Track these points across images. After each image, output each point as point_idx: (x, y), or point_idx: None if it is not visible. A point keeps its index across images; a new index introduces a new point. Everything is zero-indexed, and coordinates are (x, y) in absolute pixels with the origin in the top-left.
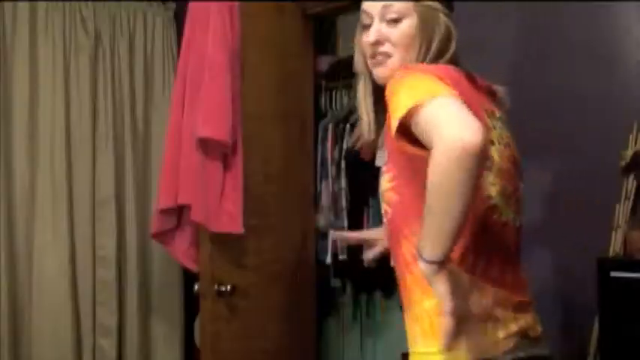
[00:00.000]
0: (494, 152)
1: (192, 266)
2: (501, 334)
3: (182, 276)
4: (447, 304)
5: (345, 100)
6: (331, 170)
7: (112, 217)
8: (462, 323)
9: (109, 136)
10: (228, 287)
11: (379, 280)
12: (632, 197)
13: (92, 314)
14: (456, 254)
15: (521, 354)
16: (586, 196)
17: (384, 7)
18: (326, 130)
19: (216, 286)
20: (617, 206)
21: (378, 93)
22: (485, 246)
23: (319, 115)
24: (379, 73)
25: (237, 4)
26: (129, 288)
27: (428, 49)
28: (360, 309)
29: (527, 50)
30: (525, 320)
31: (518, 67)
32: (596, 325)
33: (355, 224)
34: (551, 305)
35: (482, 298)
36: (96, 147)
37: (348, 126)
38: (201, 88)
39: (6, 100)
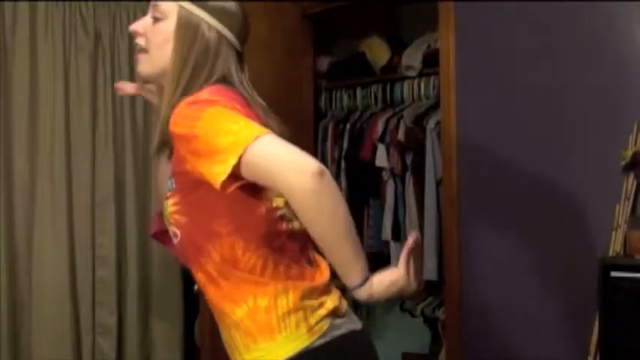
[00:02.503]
0: None
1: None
2: (312, 320)
3: (182, 276)
4: (395, 291)
5: (345, 100)
6: (331, 170)
7: (111, 217)
8: (277, 322)
9: (109, 136)
10: None
11: None
12: (632, 197)
13: (92, 314)
14: (257, 266)
15: (338, 332)
16: (586, 196)
17: (153, 5)
18: (326, 130)
19: None
20: (617, 206)
21: None
22: (281, 251)
23: (319, 115)
24: (138, 69)
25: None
26: (129, 288)
27: (185, 58)
28: (359, 309)
29: (527, 50)
30: (332, 300)
31: (518, 68)
32: (596, 325)
33: (355, 224)
34: (552, 305)
35: (290, 295)
36: (96, 147)
37: (348, 126)
38: None
39: (6, 100)
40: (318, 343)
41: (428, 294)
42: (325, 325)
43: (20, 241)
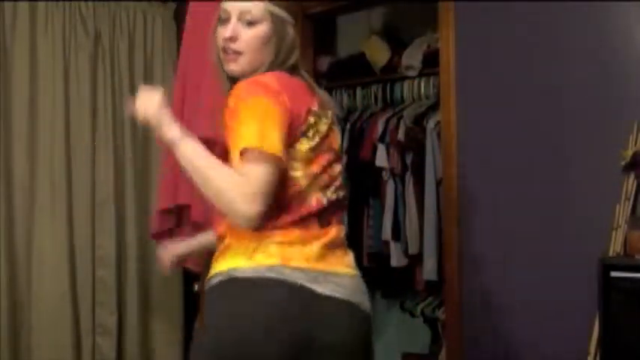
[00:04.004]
0: (304, 144)
1: (193, 266)
2: (259, 253)
3: (182, 276)
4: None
5: (345, 100)
6: None
7: (111, 217)
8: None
9: (109, 136)
10: None
11: (379, 280)
12: (632, 197)
13: (91, 314)
14: (283, 223)
15: (268, 275)
16: (586, 196)
17: (243, 10)
18: None
19: None
20: (617, 206)
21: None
22: (299, 213)
23: None
24: (230, 67)
25: None
26: (129, 288)
27: (276, 56)
28: None
29: (527, 50)
30: (301, 253)
31: (518, 68)
32: (597, 325)
33: (355, 224)
34: (552, 305)
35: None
36: (95, 147)
37: (348, 126)
38: (202, 88)
39: (6, 100)
40: (248, 273)
41: (428, 294)
42: (267, 262)
43: (20, 242)
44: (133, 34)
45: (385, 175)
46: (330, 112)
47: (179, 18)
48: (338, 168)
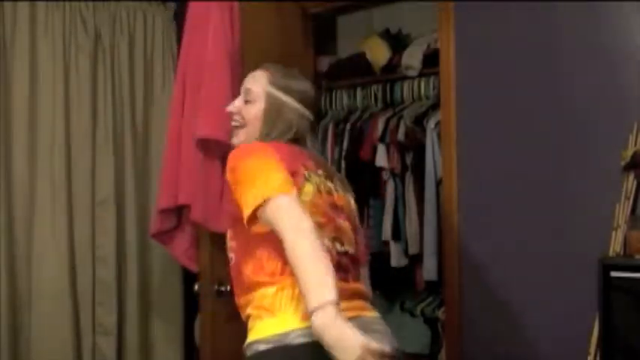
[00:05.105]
0: (304, 196)
1: (192, 266)
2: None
3: (182, 276)
4: (337, 347)
5: (345, 100)
6: None
7: (111, 216)
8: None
9: (109, 136)
10: (228, 287)
11: (379, 281)
12: (632, 197)
13: (91, 314)
14: (278, 269)
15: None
16: (586, 196)
17: (245, 90)
18: (326, 130)
19: (216, 286)
20: (617, 206)
21: None
22: None
23: (319, 115)
24: (233, 140)
25: (237, 4)
26: (128, 288)
27: (271, 129)
28: None
29: (527, 50)
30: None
31: (518, 67)
32: (597, 325)
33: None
34: (551, 305)
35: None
36: (96, 147)
37: (348, 126)
38: (201, 89)
39: (6, 100)
40: (303, 339)
41: (428, 294)
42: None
43: (20, 241)
44: (133, 34)
45: (385, 175)
46: (333, 180)
47: (179, 18)
48: (346, 225)
